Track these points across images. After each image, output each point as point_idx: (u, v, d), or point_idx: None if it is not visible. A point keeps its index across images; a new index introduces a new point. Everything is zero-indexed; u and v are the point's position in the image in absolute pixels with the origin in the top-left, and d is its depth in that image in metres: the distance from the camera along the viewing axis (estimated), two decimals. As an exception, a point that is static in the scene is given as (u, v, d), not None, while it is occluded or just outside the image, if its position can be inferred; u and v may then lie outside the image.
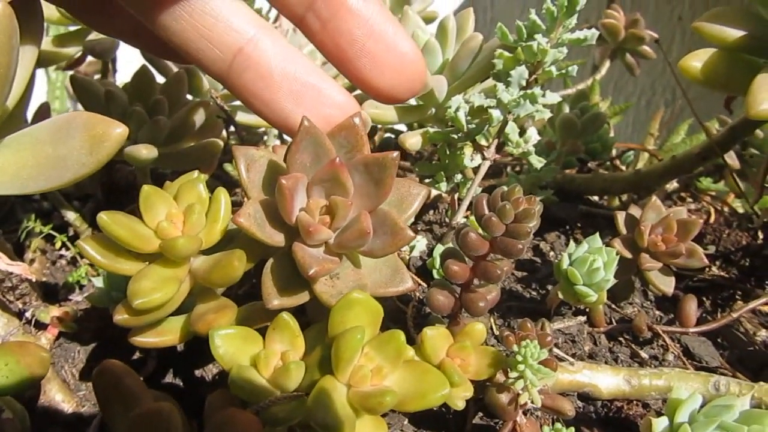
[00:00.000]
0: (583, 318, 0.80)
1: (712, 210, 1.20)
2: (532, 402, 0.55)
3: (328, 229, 0.53)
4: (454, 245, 0.68)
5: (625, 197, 1.15)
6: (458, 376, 0.55)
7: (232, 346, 0.53)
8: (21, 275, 0.66)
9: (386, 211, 0.54)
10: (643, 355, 0.79)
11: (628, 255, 0.77)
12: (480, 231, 0.64)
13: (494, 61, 0.81)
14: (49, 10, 0.90)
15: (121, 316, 0.52)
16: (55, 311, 0.76)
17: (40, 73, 1.83)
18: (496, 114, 0.79)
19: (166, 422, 0.39)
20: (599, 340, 0.79)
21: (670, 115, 1.47)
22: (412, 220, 0.92)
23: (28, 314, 0.75)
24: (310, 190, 0.54)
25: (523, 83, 0.80)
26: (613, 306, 0.83)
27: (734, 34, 0.75)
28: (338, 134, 0.56)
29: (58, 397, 0.72)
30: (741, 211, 1.21)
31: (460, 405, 0.55)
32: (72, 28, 0.94)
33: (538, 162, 0.88)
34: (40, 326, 0.78)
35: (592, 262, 0.70)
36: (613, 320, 0.83)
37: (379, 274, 0.59)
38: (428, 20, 1.28)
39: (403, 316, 0.78)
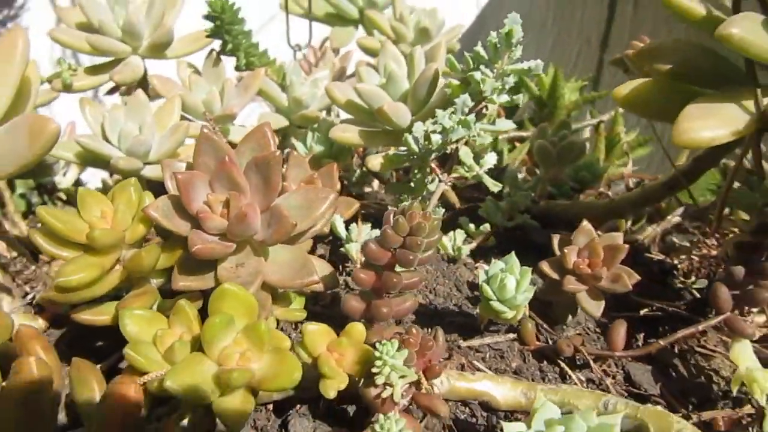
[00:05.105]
0: (513, 335, 0.83)
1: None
2: (392, 397, 0.60)
3: (221, 218, 0.62)
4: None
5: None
6: (329, 368, 0.61)
7: (138, 326, 0.62)
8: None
9: (278, 205, 0.62)
10: (581, 377, 0.81)
11: (556, 276, 0.79)
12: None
13: (445, 90, 0.88)
14: (81, 43, 1.07)
15: (48, 294, 0.64)
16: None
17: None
18: (435, 138, 0.84)
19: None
20: (528, 357, 0.82)
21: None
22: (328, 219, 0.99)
23: (29, 296, 0.89)
24: (214, 188, 0.63)
25: (466, 110, 0.85)
26: (549, 328, 0.85)
27: (666, 64, 0.77)
28: (250, 140, 0.65)
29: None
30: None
31: (331, 394, 0.61)
32: (100, 61, 1.10)
33: (493, 186, 0.92)
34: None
35: (502, 279, 0.73)
36: (549, 341, 0.84)
37: (289, 268, 0.68)
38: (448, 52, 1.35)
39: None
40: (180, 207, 0.64)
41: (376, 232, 0.98)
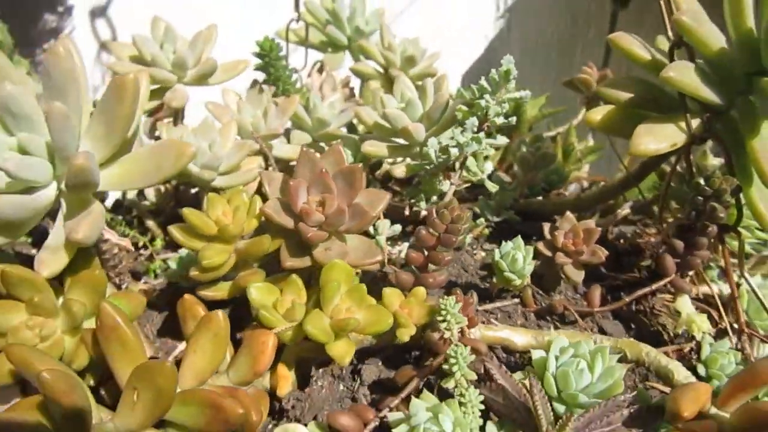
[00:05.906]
0: (517, 300, 1.08)
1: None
2: (451, 338, 0.84)
3: (320, 214, 0.84)
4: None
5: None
6: (404, 319, 0.84)
7: (260, 294, 0.84)
8: (124, 248, 0.98)
9: (358, 203, 0.85)
10: (568, 330, 1.07)
11: (548, 253, 1.05)
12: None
13: (456, 113, 1.13)
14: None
15: (194, 273, 0.84)
16: (141, 286, 1.09)
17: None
18: (453, 151, 1.09)
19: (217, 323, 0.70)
20: (529, 316, 1.07)
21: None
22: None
23: (123, 287, 1.07)
24: (310, 192, 0.85)
25: (474, 129, 1.10)
26: (542, 294, 1.11)
27: (625, 96, 1.04)
28: (328, 156, 0.88)
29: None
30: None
31: (405, 338, 0.85)
32: (152, 87, 1.29)
33: (492, 187, 1.17)
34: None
35: (513, 255, 0.98)
36: (543, 304, 1.10)
37: (360, 251, 0.91)
38: (429, 75, 1.61)
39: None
40: (286, 206, 0.86)
41: (397, 227, 1.22)
